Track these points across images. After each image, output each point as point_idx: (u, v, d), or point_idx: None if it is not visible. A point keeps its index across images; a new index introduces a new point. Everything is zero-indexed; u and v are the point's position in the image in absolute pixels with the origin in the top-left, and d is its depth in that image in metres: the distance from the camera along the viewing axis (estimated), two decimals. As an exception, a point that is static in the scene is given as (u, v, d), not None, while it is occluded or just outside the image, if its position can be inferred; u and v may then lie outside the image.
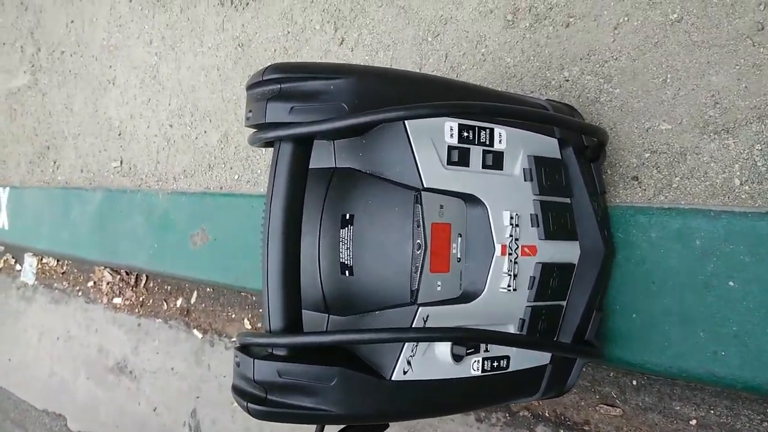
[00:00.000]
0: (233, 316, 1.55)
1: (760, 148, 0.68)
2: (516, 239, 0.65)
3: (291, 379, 0.58)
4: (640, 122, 0.76)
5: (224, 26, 1.30)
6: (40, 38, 1.95)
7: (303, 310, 0.61)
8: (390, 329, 0.58)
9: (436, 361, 0.62)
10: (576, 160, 0.71)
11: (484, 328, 0.64)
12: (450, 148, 0.62)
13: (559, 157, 0.70)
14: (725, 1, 0.70)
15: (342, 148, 0.66)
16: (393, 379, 0.60)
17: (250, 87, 0.63)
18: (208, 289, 1.59)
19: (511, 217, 0.64)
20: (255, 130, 0.64)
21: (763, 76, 0.68)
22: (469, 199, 0.64)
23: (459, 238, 0.64)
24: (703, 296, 0.70)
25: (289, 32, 1.17)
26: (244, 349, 0.64)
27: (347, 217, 0.64)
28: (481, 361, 0.65)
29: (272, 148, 0.70)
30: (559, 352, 0.68)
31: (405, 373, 0.61)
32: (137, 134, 1.53)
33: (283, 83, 0.60)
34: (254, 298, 1.47)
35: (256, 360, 0.59)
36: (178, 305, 1.71)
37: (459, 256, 0.64)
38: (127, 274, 1.86)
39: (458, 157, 0.63)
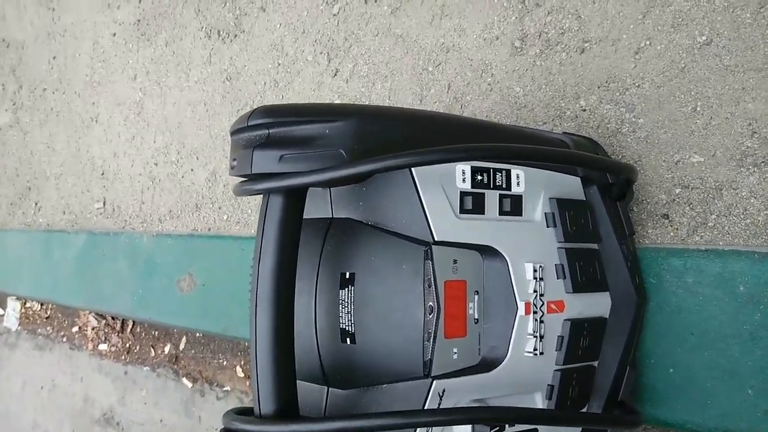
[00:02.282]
0: (224, 363, 1.46)
1: (807, 182, 0.61)
2: (541, 295, 0.57)
3: (287, 473, 0.50)
4: (669, 155, 0.68)
5: (211, 59, 1.23)
6: (22, 75, 1.88)
7: (298, 381, 0.53)
8: (402, 413, 0.50)
9: (456, 443, 0.54)
10: (601, 200, 0.64)
11: (509, 404, 0.55)
12: (463, 194, 0.55)
13: (583, 198, 0.62)
14: (760, 22, 0.63)
15: (340, 196, 0.58)
16: (406, 466, 0.52)
17: (234, 132, 0.55)
18: (197, 335, 1.50)
19: (535, 270, 0.56)
20: (241, 179, 0.56)
21: (808, 102, 0.61)
22: (486, 251, 0.56)
23: (476, 296, 0.56)
24: (750, 348, 0.62)
25: (279, 64, 1.10)
26: None
27: (347, 275, 0.56)
28: (504, 438, 0.56)
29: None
30: (594, 426, 0.59)
31: (420, 458, 0.52)
32: (121, 174, 1.45)
33: (271, 128, 0.52)
34: (246, 345, 1.38)
35: (245, 451, 0.50)
36: (166, 352, 1.62)
37: (476, 317, 0.55)
38: (113, 319, 1.77)
39: (472, 204, 0.55)
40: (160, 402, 1.59)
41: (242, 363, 1.40)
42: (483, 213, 0.56)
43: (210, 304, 1.19)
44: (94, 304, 1.55)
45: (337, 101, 1.01)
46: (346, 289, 0.55)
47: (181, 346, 1.58)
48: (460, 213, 0.54)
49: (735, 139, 0.65)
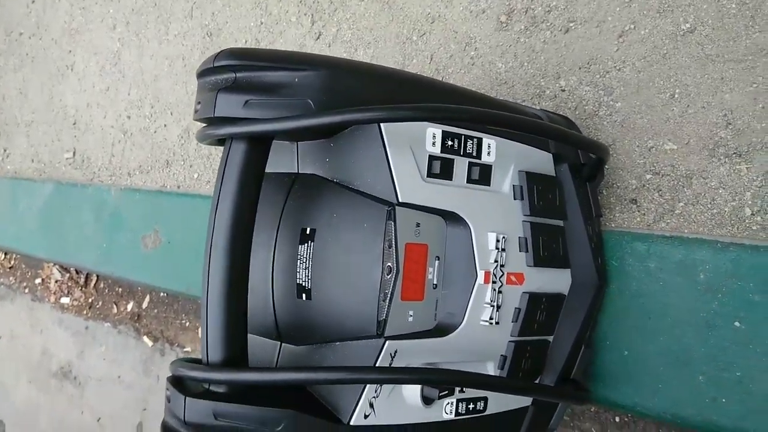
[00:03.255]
0: (187, 324, 1.44)
1: (775, 175, 0.61)
2: (501, 265, 0.56)
3: (229, 422, 0.49)
4: (643, 140, 0.68)
5: (193, 13, 1.20)
6: (-2, 17, 1.82)
7: (251, 335, 0.52)
8: (350, 368, 0.49)
9: (403, 404, 0.54)
10: (572, 178, 0.63)
11: (460, 368, 0.55)
12: (432, 158, 0.54)
13: (553, 174, 0.62)
14: (744, 13, 0.63)
15: (306, 151, 0.57)
16: (352, 423, 0.51)
17: (201, 74, 0.54)
18: (161, 294, 1.48)
19: (498, 240, 0.56)
20: (204, 124, 0.54)
21: (783, 96, 0.61)
22: (450, 218, 0.55)
23: (436, 262, 0.55)
24: (705, 336, 0.62)
25: (262, 23, 1.08)
26: (177, 382, 0.54)
27: (308, 231, 0.55)
28: (455, 404, 0.56)
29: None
30: (544, 397, 0.59)
31: (366, 417, 0.52)
32: (93, 125, 1.41)
33: (238, 71, 0.51)
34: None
35: (188, 398, 0.49)
36: (128, 309, 1.59)
37: (435, 283, 0.55)
38: (77, 272, 1.74)
39: (440, 169, 0.54)
40: (119, 359, 1.58)
41: (205, 326, 1.39)
42: (450, 179, 0.55)
43: (174, 262, 1.17)
44: (58, 256, 1.52)
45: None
46: (306, 244, 0.54)
47: (144, 305, 1.56)
48: (427, 176, 0.54)
49: (709, 129, 0.65)
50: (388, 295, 0.51)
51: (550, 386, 0.60)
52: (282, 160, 0.58)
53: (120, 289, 1.62)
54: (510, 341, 0.58)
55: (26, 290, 1.92)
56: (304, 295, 0.54)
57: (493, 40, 0.80)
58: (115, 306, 1.62)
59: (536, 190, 0.59)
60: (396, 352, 0.52)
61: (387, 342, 0.51)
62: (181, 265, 1.15)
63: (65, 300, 1.77)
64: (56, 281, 1.80)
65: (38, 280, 1.87)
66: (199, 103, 0.54)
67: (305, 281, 0.54)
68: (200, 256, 1.13)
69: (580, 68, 0.73)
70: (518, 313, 0.57)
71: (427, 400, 0.53)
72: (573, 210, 0.63)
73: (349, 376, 0.48)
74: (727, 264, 0.61)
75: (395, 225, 0.52)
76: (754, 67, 0.62)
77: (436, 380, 0.51)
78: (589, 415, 0.82)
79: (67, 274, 1.76)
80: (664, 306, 0.65)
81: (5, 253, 2.02)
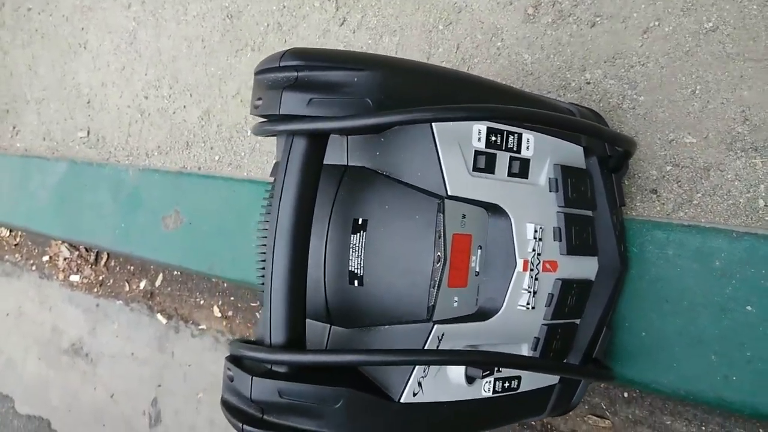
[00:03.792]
0: (202, 302, 1.48)
1: (789, 170, 0.65)
2: (538, 254, 0.60)
3: (292, 400, 0.53)
4: (664, 133, 0.72)
5: (211, -5, 1.21)
6: (3, -9, 1.80)
7: (303, 319, 0.56)
8: (409, 351, 0.53)
9: (447, 383, 0.58)
10: (599, 171, 0.67)
11: (502, 350, 0.60)
12: (477, 153, 0.57)
13: (583, 166, 0.66)
14: (765, 14, 0.66)
15: (356, 144, 0.60)
16: (402, 401, 0.56)
17: (261, 72, 0.56)
18: (175, 273, 1.51)
19: (535, 231, 0.60)
20: (263, 119, 0.57)
21: (799, 95, 0.65)
22: (492, 209, 0.59)
23: (479, 251, 0.59)
24: (719, 319, 0.67)
25: (284, 6, 1.10)
26: (236, 361, 0.58)
27: (359, 221, 0.58)
28: (492, 382, 0.60)
29: (275, 137, 0.64)
30: (574, 376, 0.64)
31: (415, 395, 0.56)
32: (108, 104, 1.42)
33: (300, 71, 0.54)
34: (225, 285, 1.40)
35: (254, 377, 0.54)
36: (141, 287, 1.63)
37: (477, 270, 0.59)
38: (87, 250, 1.76)
39: (485, 164, 0.58)
40: (133, 336, 1.61)
41: (219, 303, 1.43)
42: (493, 173, 0.59)
43: (196, 242, 1.20)
44: (72, 235, 1.54)
45: (342, 51, 1.01)
46: (358, 234, 0.58)
47: (158, 283, 1.59)
48: (472, 171, 0.57)
49: (727, 124, 0.69)
50: (437, 282, 0.55)
51: (580, 366, 0.65)
52: (332, 152, 0.61)
53: (132, 267, 1.65)
54: (543, 324, 0.62)
55: (33, 267, 1.94)
56: (356, 282, 0.58)
57: (520, 32, 0.83)
58: (127, 284, 1.65)
59: (570, 183, 0.62)
60: (443, 335, 0.56)
61: (435, 326, 0.55)
62: (202, 246, 1.19)
63: (75, 278, 1.79)
64: (65, 259, 1.82)
65: (45, 258, 1.89)
66: (259, 99, 0.57)
67: (357, 268, 0.58)
68: (222, 237, 1.16)
69: (605, 62, 0.76)
70: (551, 299, 0.62)
71: (470, 380, 0.58)
72: (601, 200, 0.67)
73: (406, 358, 0.52)
74: (741, 252, 0.66)
75: (444, 217, 0.55)
76: (773, 67, 0.66)
77: (482, 362, 0.55)
78: (598, 391, 0.88)
79: (76, 252, 1.79)
80: (681, 290, 0.69)
81: (10, 230, 2.04)
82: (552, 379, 0.66)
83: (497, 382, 0.61)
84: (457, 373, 0.57)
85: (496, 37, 0.85)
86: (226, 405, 0.58)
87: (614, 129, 0.74)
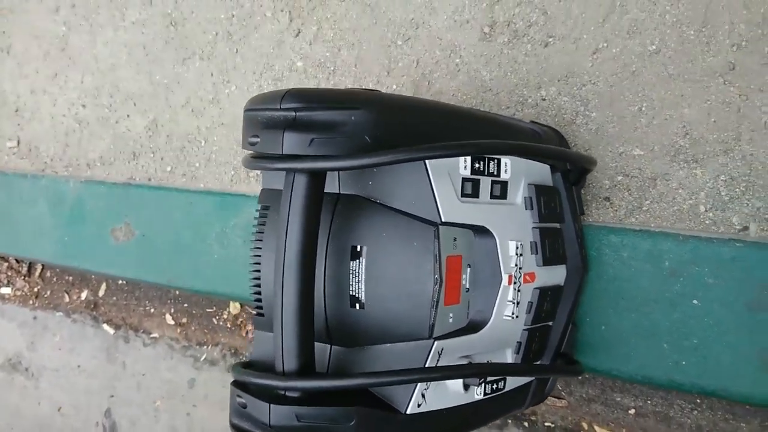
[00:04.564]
0: (152, 310, 1.46)
1: (724, 178, 0.74)
2: (520, 268, 0.66)
3: (309, 423, 0.56)
4: (614, 146, 0.80)
5: (152, 0, 1.18)
6: None
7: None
8: (417, 370, 0.58)
9: (447, 392, 0.63)
10: (564, 185, 0.74)
11: (490, 357, 0.65)
12: (464, 180, 0.62)
13: (551, 183, 0.72)
14: (701, 39, 0.75)
15: (348, 174, 0.63)
16: (408, 413, 0.60)
17: (255, 110, 0.58)
18: (120, 282, 1.48)
19: (517, 247, 0.65)
20: (258, 156, 0.59)
21: (732, 112, 0.73)
22: (479, 230, 0.64)
23: (468, 269, 0.64)
24: (669, 312, 0.76)
25: (233, 15, 1.09)
26: (245, 387, 0.61)
27: (358, 248, 0.61)
28: (483, 386, 0.66)
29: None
30: (555, 375, 0.71)
31: (419, 406, 0.61)
32: (40, 112, 1.35)
33: (298, 111, 0.56)
34: (177, 293, 1.38)
35: (272, 405, 0.56)
36: (83, 298, 1.57)
37: (467, 287, 0.64)
38: (18, 262, 1.67)
39: (471, 189, 0.62)
40: (77, 348, 1.56)
41: (172, 311, 1.41)
42: (478, 197, 0.63)
43: (151, 255, 1.18)
44: (6, 249, 1.46)
45: (300, 64, 1.02)
46: (357, 260, 0.61)
47: (101, 293, 1.54)
48: (461, 197, 0.62)
49: (671, 138, 0.77)
50: (435, 302, 0.60)
51: (559, 366, 0.72)
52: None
53: (71, 278, 1.59)
54: (524, 329, 0.68)
55: (-45, 281, 1.82)
56: (357, 305, 0.62)
57: (478, 50, 0.88)
58: (66, 295, 1.59)
59: (542, 200, 0.68)
60: (442, 350, 0.61)
61: (435, 342, 0.60)
62: (159, 258, 1.17)
63: (6, 290, 1.70)
64: (-8, 271, 1.72)
65: (-33, 271, 1.78)
66: (256, 136, 0.58)
67: (358, 293, 0.61)
68: (180, 249, 1.15)
69: (559, 80, 0.83)
70: (531, 306, 0.68)
71: (466, 387, 0.63)
72: (566, 212, 0.74)
73: (416, 376, 0.56)
74: (687, 253, 0.75)
75: (439, 241, 0.60)
76: (708, 86, 0.75)
77: (487, 372, 0.60)
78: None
79: (5, 264, 1.70)
80: (635, 288, 0.78)
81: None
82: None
83: (487, 386, 0.66)
84: (455, 382, 0.63)
85: (455, 53, 0.90)
86: (239, 430, 0.60)
87: (574, 147, 0.80)
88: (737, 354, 0.72)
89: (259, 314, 0.68)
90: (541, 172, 0.71)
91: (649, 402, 0.90)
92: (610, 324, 0.79)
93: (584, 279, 0.78)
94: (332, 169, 0.56)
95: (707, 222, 0.75)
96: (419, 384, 0.60)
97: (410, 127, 0.59)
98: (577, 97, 0.82)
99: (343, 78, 0.98)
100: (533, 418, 1.04)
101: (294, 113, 0.56)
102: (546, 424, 1.01)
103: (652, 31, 0.77)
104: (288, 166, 0.56)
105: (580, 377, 0.95)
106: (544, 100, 0.84)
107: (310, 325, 0.58)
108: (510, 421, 1.04)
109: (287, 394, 0.58)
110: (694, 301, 0.74)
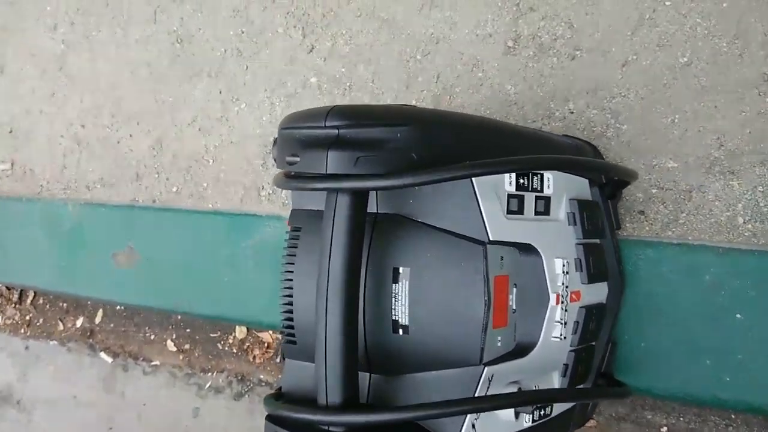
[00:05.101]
0: (152, 337, 1.40)
1: (762, 189, 0.73)
2: (567, 287, 0.64)
3: (356, 458, 0.53)
4: (647, 159, 0.78)
5: (157, 17, 1.15)
6: None
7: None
8: (470, 399, 0.55)
9: (497, 421, 0.60)
10: (602, 199, 0.71)
11: (537, 380, 0.62)
12: (510, 196, 0.59)
13: (590, 197, 0.70)
14: (734, 51, 0.73)
15: (387, 192, 0.60)
16: (458, 444, 0.57)
17: (294, 128, 0.55)
18: (118, 308, 1.42)
19: (563, 265, 0.63)
20: (297, 176, 0.56)
21: (767, 123, 0.72)
22: (525, 248, 0.61)
23: (514, 289, 0.61)
24: (711, 327, 0.74)
25: (243, 32, 1.06)
26: (280, 422, 0.57)
27: (400, 270, 0.58)
28: (532, 413, 0.63)
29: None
30: (605, 398, 0.68)
31: (469, 436, 0.58)
32: (35, 133, 1.31)
33: (341, 129, 0.53)
34: (179, 318, 1.34)
35: (317, 442, 0.53)
36: (78, 325, 1.51)
37: (514, 308, 0.61)
38: (8, 289, 1.61)
39: (516, 206, 0.60)
40: (73, 378, 1.50)
41: (174, 336, 1.36)
42: (523, 213, 0.61)
43: (156, 279, 1.14)
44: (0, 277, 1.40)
45: (314, 80, 1.00)
46: (399, 283, 0.58)
47: (97, 320, 1.48)
48: (507, 214, 0.59)
49: (705, 150, 0.75)
50: (484, 326, 0.57)
51: (608, 389, 0.70)
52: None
53: (65, 305, 1.53)
54: (570, 350, 0.65)
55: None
56: (401, 330, 0.58)
57: (502, 64, 0.86)
58: (60, 323, 1.53)
59: (585, 215, 0.66)
60: (492, 376, 0.58)
61: (485, 368, 0.57)
62: (164, 282, 1.13)
63: (-4, 319, 1.63)
64: (-20, 300, 1.65)
65: (-47, 300, 1.71)
66: (295, 156, 0.55)
67: (401, 317, 0.58)
68: (188, 273, 1.11)
69: (587, 93, 0.81)
70: (577, 326, 0.65)
71: (517, 415, 0.60)
72: (607, 228, 0.71)
73: (470, 407, 0.53)
74: (728, 266, 0.73)
75: (487, 261, 0.57)
76: (743, 98, 0.73)
77: (534, 401, 0.57)
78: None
79: (-5, 292, 1.63)
80: (674, 303, 0.75)
81: None
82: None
83: (535, 412, 0.63)
84: (507, 412, 0.59)
85: (477, 68, 0.88)
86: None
87: (606, 161, 0.79)
88: (785, 369, 0.70)
89: (290, 341, 0.64)
90: (581, 186, 0.68)
91: (681, 419, 0.88)
92: (649, 341, 0.77)
93: (622, 295, 0.76)
94: (379, 188, 0.53)
95: (747, 234, 0.73)
96: (470, 414, 0.57)
97: (456, 144, 0.57)
98: (607, 110, 0.80)
99: (359, 93, 0.95)
100: (560, 439, 1.00)
101: (337, 131, 0.53)
102: (575, 446, 0.98)
103: (683, 43, 0.76)
104: (334, 185, 0.53)
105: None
106: (572, 113, 0.82)
107: (355, 355, 0.55)
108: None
109: (331, 429, 0.54)
110: (738, 315, 0.72)
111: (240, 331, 1.27)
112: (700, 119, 0.75)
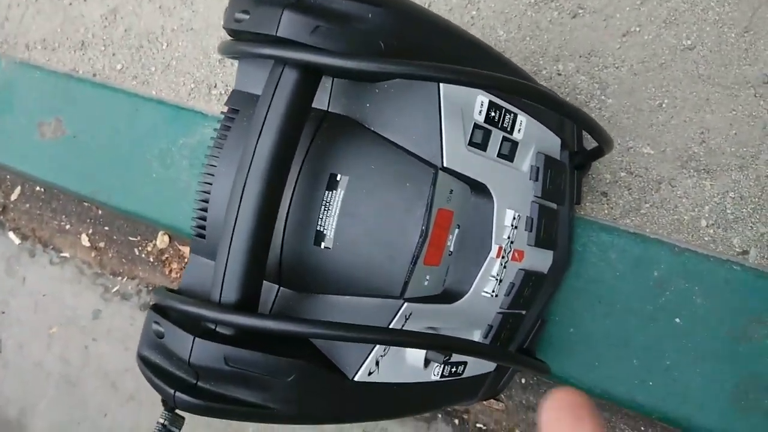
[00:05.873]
0: (67, 227, 1.30)
1: (733, 196, 0.69)
2: (511, 242, 0.58)
3: (238, 368, 0.46)
4: (624, 140, 0.73)
5: None
6: None
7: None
8: (381, 329, 0.48)
9: (404, 364, 0.54)
10: (569, 165, 0.66)
11: (454, 334, 0.57)
12: (476, 126, 0.53)
13: (558, 158, 0.64)
14: (740, 44, 0.68)
15: (342, 89, 0.53)
16: (356, 379, 0.51)
17: (254, -21, 0.47)
18: (37, 188, 1.31)
19: (514, 218, 0.57)
20: (242, 37, 0.48)
21: (756, 128, 0.68)
22: (478, 188, 0.55)
23: (456, 230, 0.55)
24: (647, 327, 0.70)
25: None
26: (164, 313, 0.50)
27: (338, 178, 0.51)
28: (442, 367, 0.58)
29: (235, 59, 0.55)
30: (520, 366, 0.63)
31: (370, 374, 0.52)
32: (-20, -25, 1.17)
33: (306, -10, 0.45)
34: (100, 212, 1.24)
35: (197, 338, 0.46)
36: (-9, 199, 1.39)
37: (451, 250, 0.55)
38: None
39: (480, 139, 0.53)
40: (-28, 253, 1.38)
41: (90, 231, 1.26)
42: (485, 150, 0.55)
43: (79, 159, 1.03)
44: None
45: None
46: (333, 191, 0.51)
47: (13, 197, 1.37)
48: (468, 144, 0.53)
49: (685, 142, 0.71)
50: (415, 258, 0.51)
51: (531, 359, 0.65)
52: (312, 94, 0.53)
53: (-21, 175, 1.40)
54: (498, 312, 0.60)
55: None
56: (322, 243, 0.52)
57: (498, 6, 0.79)
58: (-29, 193, 1.40)
59: (549, 174, 0.60)
60: (410, 314, 0.52)
61: (405, 304, 0.51)
62: (87, 166, 1.03)
63: None
64: None
65: None
66: (245, 12, 0.47)
67: (327, 229, 0.51)
68: (115, 160, 1.01)
69: (580, 56, 0.75)
70: (512, 288, 0.60)
71: (427, 363, 0.54)
72: (567, 196, 0.66)
73: (379, 336, 0.47)
74: (679, 267, 0.69)
75: (434, 189, 0.51)
76: (738, 96, 0.69)
77: (451, 347, 0.51)
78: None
79: None
80: (615, 294, 0.71)
81: None
82: (489, 366, 0.65)
83: (446, 367, 0.58)
84: (416, 356, 0.54)
85: (472, 4, 0.80)
86: (148, 363, 0.49)
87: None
88: (710, 384, 0.67)
89: (199, 235, 0.56)
90: (552, 144, 0.63)
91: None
92: (580, 327, 0.73)
93: (565, 273, 0.71)
94: (334, 69, 0.46)
95: (706, 238, 0.69)
96: (376, 348, 0.51)
97: (436, 48, 0.50)
98: (596, 79, 0.74)
99: None
100: (465, 416, 0.96)
101: (300, -8, 0.45)
102: (478, 425, 0.94)
103: (690, 25, 0.71)
104: (280, 53, 0.45)
105: (523, 381, 0.89)
106: (560, 74, 0.76)
107: (264, 253, 0.48)
108: (440, 416, 0.97)
109: (218, 329, 0.47)
110: (677, 320, 0.68)
111: (162, 241, 1.18)
112: (689, 109, 0.70)
